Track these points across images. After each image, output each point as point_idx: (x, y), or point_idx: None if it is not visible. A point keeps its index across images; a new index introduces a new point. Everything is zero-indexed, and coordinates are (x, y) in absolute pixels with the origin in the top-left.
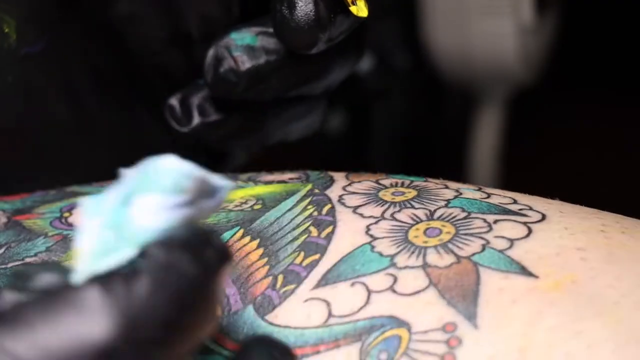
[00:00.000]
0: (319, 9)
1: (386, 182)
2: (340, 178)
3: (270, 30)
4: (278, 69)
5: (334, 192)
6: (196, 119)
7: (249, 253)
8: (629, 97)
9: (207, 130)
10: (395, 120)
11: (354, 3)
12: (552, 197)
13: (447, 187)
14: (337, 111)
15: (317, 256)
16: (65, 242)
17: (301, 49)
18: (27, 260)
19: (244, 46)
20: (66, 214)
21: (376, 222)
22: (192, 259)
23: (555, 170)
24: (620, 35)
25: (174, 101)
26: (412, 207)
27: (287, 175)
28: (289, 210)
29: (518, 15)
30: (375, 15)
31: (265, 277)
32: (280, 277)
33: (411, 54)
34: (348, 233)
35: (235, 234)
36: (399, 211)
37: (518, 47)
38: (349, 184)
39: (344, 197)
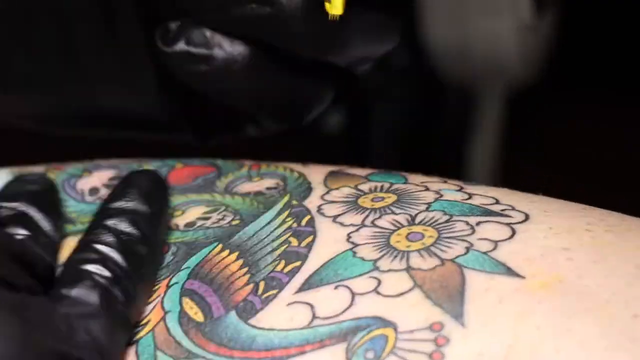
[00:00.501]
0: None
1: (365, 187)
2: (318, 185)
3: None
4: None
5: (312, 203)
6: (181, 45)
7: (229, 264)
8: (629, 97)
9: (189, 62)
10: (394, 119)
11: (329, 0)
12: (551, 195)
13: (427, 189)
14: (336, 110)
15: (298, 263)
16: None
17: None
18: None
19: None
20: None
21: (357, 230)
22: None
23: (555, 169)
24: (620, 34)
25: (173, 25)
26: (393, 212)
27: (265, 184)
28: (268, 223)
29: (517, 14)
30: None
31: (247, 284)
32: (262, 284)
33: (410, 53)
34: (329, 241)
35: (214, 248)
36: (379, 217)
37: (517, 46)
38: (327, 192)
39: (322, 207)
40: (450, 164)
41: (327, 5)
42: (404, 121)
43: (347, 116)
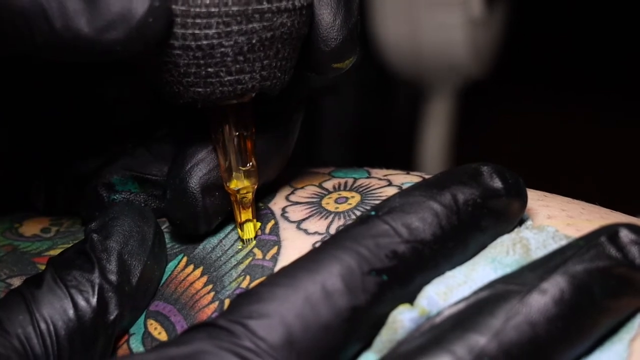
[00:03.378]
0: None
1: (329, 184)
2: (283, 187)
3: None
4: None
5: (277, 204)
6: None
7: (194, 282)
8: (576, 90)
9: None
10: (345, 115)
11: (241, 228)
12: None
13: (390, 184)
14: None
15: (263, 279)
16: (15, 253)
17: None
18: None
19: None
20: (17, 225)
21: (322, 239)
22: None
23: (504, 162)
24: (570, 29)
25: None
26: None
27: None
28: (232, 230)
29: (467, 7)
30: None
31: (212, 302)
32: (227, 302)
33: (360, 48)
34: (294, 253)
35: (179, 263)
36: (343, 224)
37: (467, 39)
38: (292, 192)
39: (287, 209)
40: (400, 157)
41: (239, 232)
42: (354, 115)
43: None
